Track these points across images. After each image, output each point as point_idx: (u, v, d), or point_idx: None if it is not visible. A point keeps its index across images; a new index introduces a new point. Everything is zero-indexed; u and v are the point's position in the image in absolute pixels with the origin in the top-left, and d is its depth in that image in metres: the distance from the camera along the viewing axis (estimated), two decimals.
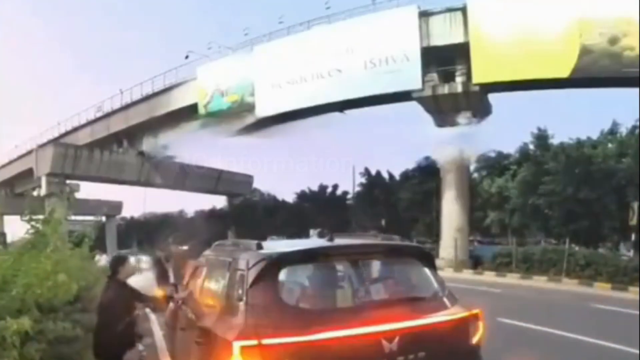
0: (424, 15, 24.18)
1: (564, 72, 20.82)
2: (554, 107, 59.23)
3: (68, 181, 34.01)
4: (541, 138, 26.80)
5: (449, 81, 24.17)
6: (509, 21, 21.74)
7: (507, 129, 69.91)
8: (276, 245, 4.42)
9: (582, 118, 59.23)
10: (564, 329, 8.19)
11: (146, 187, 41.20)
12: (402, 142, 59.93)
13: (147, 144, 36.03)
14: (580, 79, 21.43)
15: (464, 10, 23.09)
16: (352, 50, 25.87)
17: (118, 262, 4.65)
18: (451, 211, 24.67)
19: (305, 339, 2.87)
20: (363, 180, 39.56)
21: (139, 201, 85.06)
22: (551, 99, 63.88)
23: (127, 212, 54.06)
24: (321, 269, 3.58)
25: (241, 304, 3.11)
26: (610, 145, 25.13)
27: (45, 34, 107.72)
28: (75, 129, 38.72)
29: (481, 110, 24.69)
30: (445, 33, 23.66)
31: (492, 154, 31.48)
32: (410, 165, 36.32)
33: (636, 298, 13.03)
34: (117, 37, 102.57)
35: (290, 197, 47.37)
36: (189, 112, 32.10)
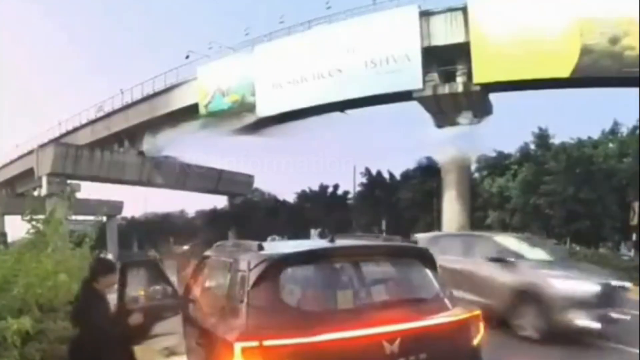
0: (425, 15, 24.11)
1: (565, 72, 20.77)
2: (555, 107, 59.32)
3: (69, 181, 33.91)
4: (542, 138, 26.80)
5: (450, 81, 24.10)
6: (510, 21, 21.69)
7: (508, 129, 69.81)
8: (277, 246, 4.43)
9: (582, 118, 59.19)
10: None
11: (147, 187, 41.18)
12: (403, 142, 59.94)
13: (148, 144, 36.00)
14: (581, 79, 21.36)
15: (464, 10, 23.01)
16: (352, 50, 25.80)
17: (99, 267, 3.79)
18: (452, 211, 24.61)
19: (306, 340, 2.87)
20: (364, 180, 39.62)
21: (139, 201, 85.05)
22: (552, 98, 63.69)
23: (128, 212, 54.26)
24: (322, 270, 3.58)
25: (242, 305, 3.11)
26: (611, 145, 25.11)
27: (45, 33, 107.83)
28: (76, 129, 38.64)
29: (482, 110, 24.64)
30: (446, 33, 23.60)
31: (493, 154, 31.46)
32: (411, 165, 36.41)
33: (636, 298, 13.01)
34: (118, 37, 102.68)
35: (291, 197, 47.53)
36: (190, 112, 32.05)
